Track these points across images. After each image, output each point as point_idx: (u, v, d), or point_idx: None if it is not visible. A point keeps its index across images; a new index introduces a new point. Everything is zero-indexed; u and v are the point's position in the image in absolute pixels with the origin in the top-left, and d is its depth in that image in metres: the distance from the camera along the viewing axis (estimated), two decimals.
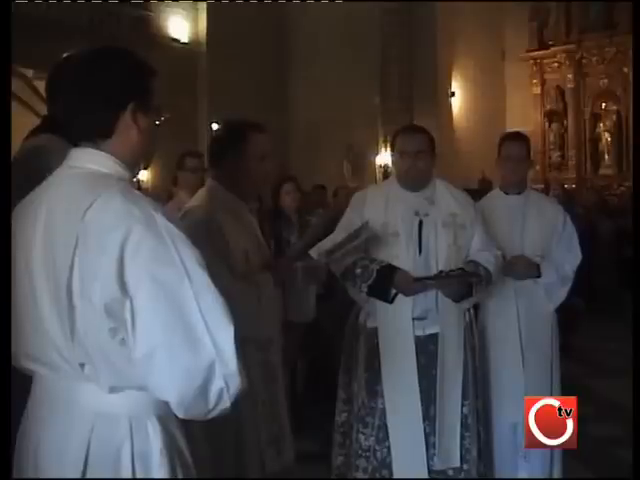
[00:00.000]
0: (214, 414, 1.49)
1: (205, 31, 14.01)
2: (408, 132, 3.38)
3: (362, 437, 3.16)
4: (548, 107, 16.49)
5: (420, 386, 3.10)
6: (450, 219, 3.22)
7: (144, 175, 11.57)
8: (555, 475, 3.60)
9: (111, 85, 1.60)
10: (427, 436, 3.10)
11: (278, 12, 14.97)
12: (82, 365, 1.52)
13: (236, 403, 1.50)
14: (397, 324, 3.14)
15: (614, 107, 15.70)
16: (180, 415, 1.52)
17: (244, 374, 1.48)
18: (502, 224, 3.60)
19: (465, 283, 3.12)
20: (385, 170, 14.47)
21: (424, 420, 3.10)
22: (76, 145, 1.64)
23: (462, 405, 3.15)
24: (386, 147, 14.54)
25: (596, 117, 16.10)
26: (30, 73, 11.37)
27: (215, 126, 12.57)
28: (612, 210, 11.55)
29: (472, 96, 15.84)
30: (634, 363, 2.61)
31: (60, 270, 1.48)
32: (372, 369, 3.17)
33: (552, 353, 3.65)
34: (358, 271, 3.14)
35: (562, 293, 3.69)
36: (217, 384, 1.45)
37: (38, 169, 2.12)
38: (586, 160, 16.21)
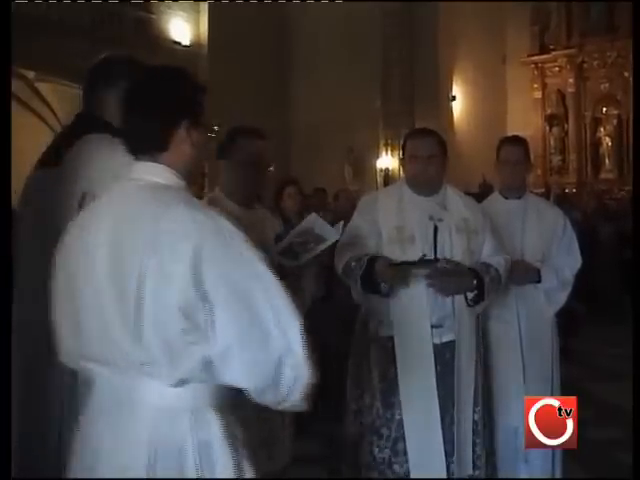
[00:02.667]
0: (287, 405, 1.60)
1: (206, 34, 14.04)
2: (419, 135, 3.30)
3: (376, 449, 3.07)
4: (549, 111, 16.54)
5: (437, 395, 3.03)
6: (463, 224, 3.16)
7: None
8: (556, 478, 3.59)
9: (169, 103, 1.73)
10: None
11: (278, 12, 15.01)
12: (145, 364, 1.58)
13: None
14: (415, 332, 3.05)
15: (615, 111, 15.76)
16: (255, 400, 1.59)
17: (313, 367, 1.57)
18: (502, 229, 3.56)
19: (459, 278, 3.04)
20: (386, 174, 14.49)
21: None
22: (135, 159, 1.75)
23: (474, 412, 3.11)
24: (387, 150, 14.56)
25: (597, 121, 16.16)
26: (31, 74, 11.40)
27: (216, 129, 12.58)
28: (612, 213, 11.56)
29: (473, 100, 15.86)
30: (634, 366, 2.61)
31: (129, 277, 1.56)
32: (387, 379, 3.07)
33: (552, 357, 3.64)
34: (353, 264, 3.07)
35: (562, 297, 3.67)
36: (287, 375, 1.54)
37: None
38: (587, 164, 16.26)
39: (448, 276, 3.03)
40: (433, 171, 3.17)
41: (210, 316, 1.51)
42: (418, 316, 3.05)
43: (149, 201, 1.63)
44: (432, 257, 3.02)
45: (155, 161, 1.71)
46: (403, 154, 3.35)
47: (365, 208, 3.32)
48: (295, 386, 1.55)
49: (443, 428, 3.03)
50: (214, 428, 1.61)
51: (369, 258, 3.04)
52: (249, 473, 1.64)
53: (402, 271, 3.00)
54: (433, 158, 3.16)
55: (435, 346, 3.05)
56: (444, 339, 3.07)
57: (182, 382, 1.58)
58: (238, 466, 1.62)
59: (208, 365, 1.55)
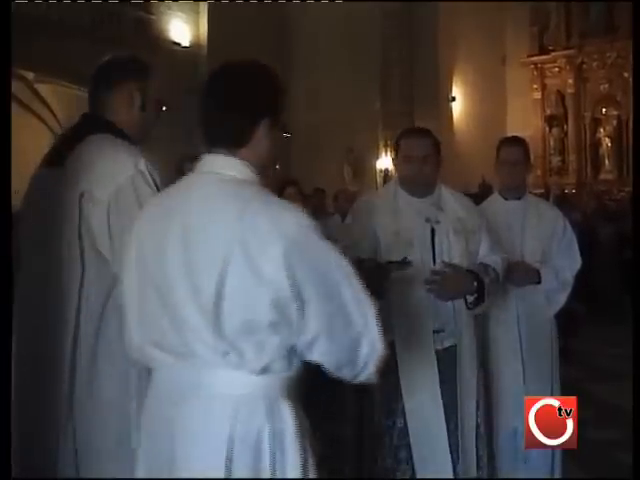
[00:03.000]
0: (362, 378, 1.69)
1: (206, 34, 14.04)
2: (414, 135, 3.23)
3: (378, 457, 3.02)
4: (548, 112, 16.53)
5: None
6: (460, 225, 3.10)
7: None
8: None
9: (254, 100, 1.77)
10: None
11: (278, 12, 15.01)
12: (226, 353, 1.60)
13: None
14: (417, 338, 2.99)
15: (614, 112, 15.73)
16: (332, 374, 1.68)
17: (385, 344, 1.66)
18: (501, 230, 3.54)
19: (459, 281, 2.97)
20: (385, 174, 14.48)
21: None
22: (209, 151, 1.77)
23: (476, 414, 3.08)
24: (386, 151, 14.55)
25: (596, 122, 16.14)
26: (30, 75, 11.39)
27: None
28: (612, 214, 11.56)
29: (472, 100, 15.86)
30: (634, 366, 2.60)
31: (207, 270, 1.58)
32: (388, 386, 2.98)
33: (552, 358, 3.64)
34: None
35: (562, 298, 3.67)
36: (364, 350, 1.64)
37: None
38: (586, 165, 16.25)
39: (447, 280, 2.95)
40: (428, 171, 3.11)
41: (302, 310, 1.57)
42: (420, 321, 3.00)
43: (229, 195, 1.66)
44: (409, 260, 2.88)
45: (231, 155, 1.73)
46: (396, 154, 3.28)
47: (360, 212, 3.26)
48: (370, 359, 1.65)
49: (448, 434, 2.98)
50: (287, 417, 1.65)
51: (360, 260, 2.92)
52: (312, 469, 1.70)
53: (382, 272, 2.87)
54: (428, 158, 3.11)
55: (437, 352, 3.00)
56: (445, 344, 3.02)
57: (264, 370, 1.62)
58: (305, 458, 1.67)
59: (292, 351, 1.63)
